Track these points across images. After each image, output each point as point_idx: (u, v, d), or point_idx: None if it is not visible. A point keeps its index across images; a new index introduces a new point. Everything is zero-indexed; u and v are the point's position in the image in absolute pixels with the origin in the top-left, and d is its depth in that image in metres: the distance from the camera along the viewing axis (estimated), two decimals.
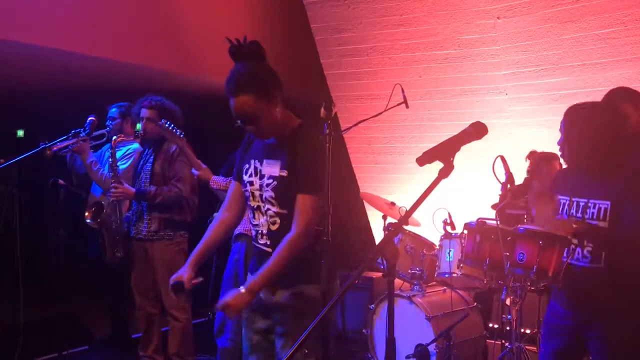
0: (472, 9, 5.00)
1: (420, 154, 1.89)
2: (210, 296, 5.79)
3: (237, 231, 3.93)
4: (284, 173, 2.50)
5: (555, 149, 4.20)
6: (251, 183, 2.62)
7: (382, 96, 5.43)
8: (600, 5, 4.49)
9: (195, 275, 2.58)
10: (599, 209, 2.58)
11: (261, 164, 2.59)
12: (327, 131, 2.19)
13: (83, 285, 5.36)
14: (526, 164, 4.45)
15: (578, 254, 2.65)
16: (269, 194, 2.54)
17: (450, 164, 1.87)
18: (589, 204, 2.62)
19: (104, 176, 4.35)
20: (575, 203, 2.69)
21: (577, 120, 2.68)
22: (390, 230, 1.90)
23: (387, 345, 1.97)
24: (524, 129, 5.24)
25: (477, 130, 1.96)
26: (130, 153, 4.61)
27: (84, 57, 4.56)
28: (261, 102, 2.42)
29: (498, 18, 4.93)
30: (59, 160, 4.47)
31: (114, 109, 4.70)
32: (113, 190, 4.14)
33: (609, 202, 2.56)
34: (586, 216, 2.62)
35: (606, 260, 2.58)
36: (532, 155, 4.47)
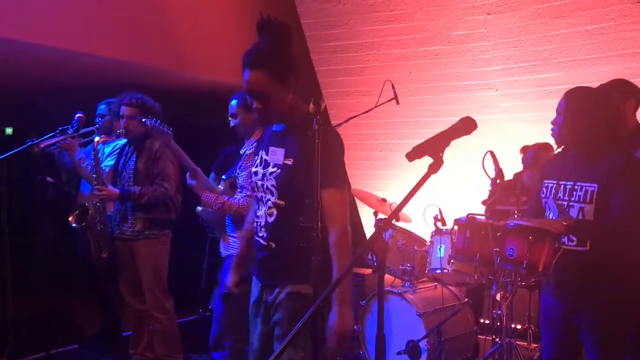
0: (462, 5, 5.00)
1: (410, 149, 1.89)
2: (204, 293, 5.80)
3: None
4: (289, 162, 2.42)
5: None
6: (256, 173, 2.56)
7: (372, 92, 5.42)
8: (590, 1, 4.51)
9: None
10: (586, 191, 2.60)
11: (267, 153, 2.52)
12: (316, 126, 2.16)
13: (73, 283, 5.32)
14: (516, 160, 4.46)
15: (564, 237, 2.66)
16: (270, 182, 2.47)
17: (440, 159, 1.86)
18: (576, 187, 2.65)
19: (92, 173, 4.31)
20: (562, 186, 2.71)
21: (575, 103, 2.69)
22: (380, 226, 1.88)
23: (377, 341, 1.96)
24: (514, 125, 5.25)
25: (467, 125, 1.96)
26: (118, 149, 4.57)
27: (71, 53, 4.53)
28: (275, 83, 2.38)
29: (488, 14, 4.94)
30: (48, 158, 4.42)
31: (102, 106, 4.66)
32: (97, 192, 4.07)
33: (596, 185, 2.58)
34: (572, 199, 2.64)
35: (592, 243, 2.60)
36: (525, 149, 4.47)
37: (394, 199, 4.70)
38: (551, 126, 2.78)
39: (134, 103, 4.07)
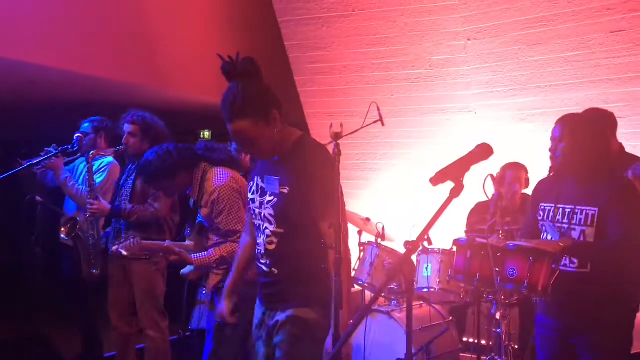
0: (444, 31, 5.14)
1: (431, 174, 1.97)
2: (184, 314, 5.73)
3: None
4: (285, 190, 2.42)
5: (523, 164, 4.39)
6: (253, 201, 2.57)
7: (354, 114, 5.51)
8: (567, 30, 4.70)
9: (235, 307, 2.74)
10: (587, 215, 2.68)
11: (263, 181, 2.54)
12: (337, 151, 2.22)
13: (55, 304, 5.21)
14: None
15: (565, 259, 2.73)
16: (268, 211, 2.48)
17: (461, 184, 1.96)
18: (576, 210, 2.72)
19: (79, 192, 4.27)
20: (560, 209, 2.79)
21: (576, 130, 2.76)
22: (408, 249, 1.95)
23: None
24: (493, 148, 5.38)
25: (484, 151, 2.06)
26: (104, 166, 4.53)
27: (49, 69, 4.48)
28: (259, 125, 2.34)
29: (468, 40, 5.09)
30: (35, 177, 4.37)
31: (86, 124, 4.61)
32: (89, 206, 4.06)
33: (596, 209, 2.67)
34: (573, 222, 2.72)
35: (593, 265, 2.68)
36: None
37: (374, 218, 4.77)
38: (549, 154, 2.84)
39: (136, 120, 4.09)
